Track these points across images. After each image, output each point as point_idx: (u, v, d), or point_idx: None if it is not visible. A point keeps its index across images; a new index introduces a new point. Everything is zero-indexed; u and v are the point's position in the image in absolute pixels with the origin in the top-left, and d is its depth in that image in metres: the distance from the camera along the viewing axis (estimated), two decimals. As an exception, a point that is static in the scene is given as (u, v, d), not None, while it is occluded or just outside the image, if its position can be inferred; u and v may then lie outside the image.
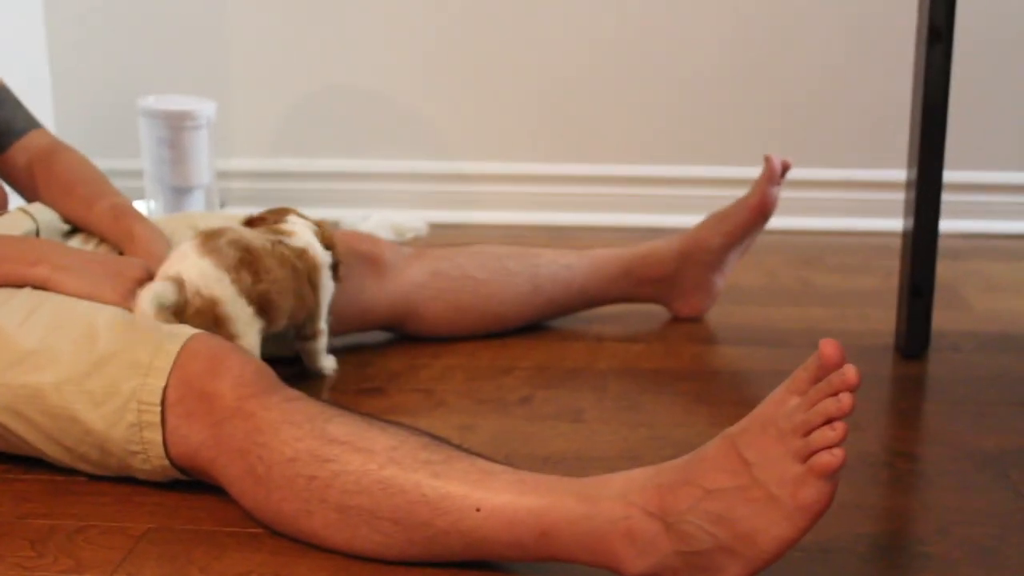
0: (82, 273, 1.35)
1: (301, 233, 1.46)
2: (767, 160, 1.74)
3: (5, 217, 1.51)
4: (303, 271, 1.43)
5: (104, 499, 1.24)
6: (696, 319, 1.85)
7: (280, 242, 1.42)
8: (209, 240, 1.35)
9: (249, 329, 1.34)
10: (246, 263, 1.35)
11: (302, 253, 1.44)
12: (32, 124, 1.62)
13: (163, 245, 1.49)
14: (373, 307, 1.66)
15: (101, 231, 1.53)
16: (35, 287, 1.34)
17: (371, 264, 1.65)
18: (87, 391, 1.21)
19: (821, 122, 2.46)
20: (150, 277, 1.39)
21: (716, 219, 1.79)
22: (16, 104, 1.62)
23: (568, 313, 1.81)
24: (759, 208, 1.75)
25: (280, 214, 1.51)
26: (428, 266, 1.70)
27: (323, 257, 1.47)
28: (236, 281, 1.33)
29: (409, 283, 1.68)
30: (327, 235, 1.51)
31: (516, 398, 1.54)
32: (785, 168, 1.75)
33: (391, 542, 1.09)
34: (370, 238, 1.71)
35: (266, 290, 1.37)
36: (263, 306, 1.36)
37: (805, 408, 0.95)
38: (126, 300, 1.33)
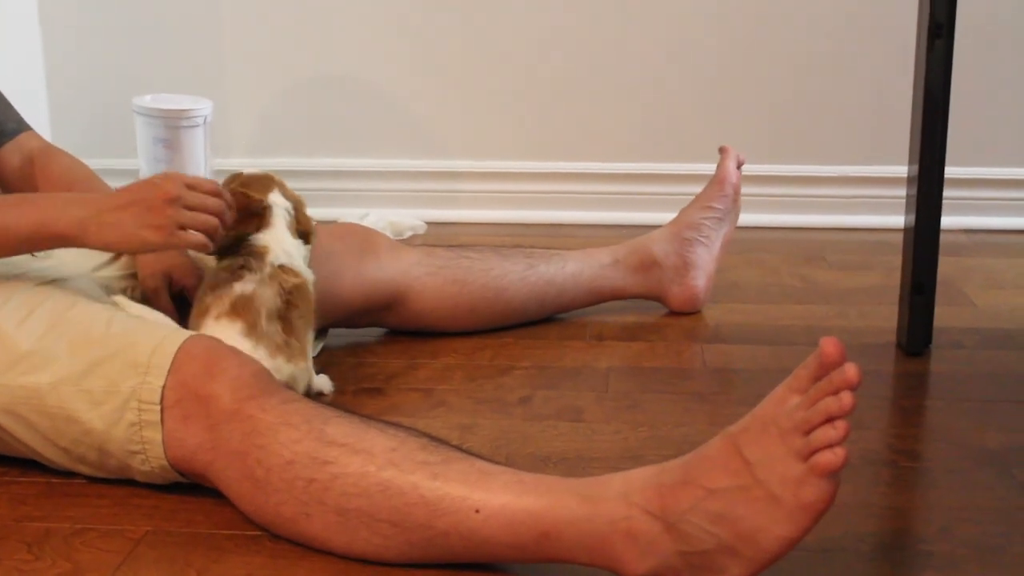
0: (117, 227, 1.27)
1: (275, 242, 1.44)
2: (722, 148, 1.89)
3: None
4: (304, 288, 1.43)
5: (102, 502, 1.23)
6: (693, 311, 1.85)
7: (276, 269, 1.41)
8: (254, 325, 1.35)
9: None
10: (288, 334, 1.38)
11: (287, 270, 1.42)
12: (23, 126, 1.61)
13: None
14: (373, 284, 1.65)
15: None
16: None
17: (367, 245, 1.67)
18: (85, 391, 1.20)
19: (821, 118, 2.45)
20: (181, 188, 1.29)
21: (692, 200, 1.88)
22: (7, 105, 1.61)
23: (564, 304, 1.81)
24: (720, 180, 1.85)
25: (262, 183, 1.49)
26: (422, 249, 1.73)
27: (306, 272, 1.46)
28: (278, 365, 1.35)
29: (406, 261, 1.69)
30: (302, 214, 1.51)
31: (516, 398, 1.53)
32: (739, 162, 1.87)
33: (390, 544, 1.08)
34: (366, 227, 1.73)
35: (299, 348, 1.39)
36: (293, 359, 1.39)
37: (806, 406, 0.95)
38: (171, 236, 1.26)
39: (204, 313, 1.37)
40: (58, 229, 1.27)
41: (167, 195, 1.26)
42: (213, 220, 1.29)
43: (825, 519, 0.97)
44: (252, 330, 1.35)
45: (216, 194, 1.32)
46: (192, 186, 1.29)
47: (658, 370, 1.63)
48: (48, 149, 1.59)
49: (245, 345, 1.32)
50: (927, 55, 1.57)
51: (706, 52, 2.44)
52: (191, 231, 1.27)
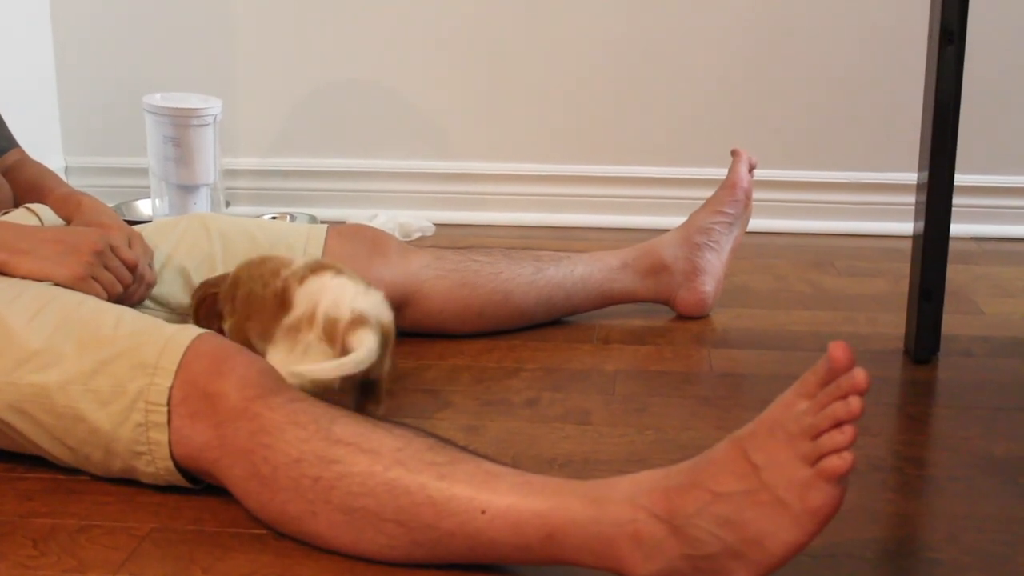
0: (37, 255, 1.37)
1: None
2: (734, 151, 1.88)
3: (10, 215, 1.51)
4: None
5: (107, 499, 1.24)
6: (701, 315, 1.85)
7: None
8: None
9: None
10: None
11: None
12: (13, 143, 1.71)
13: (109, 211, 1.55)
14: (382, 285, 1.65)
15: (55, 211, 1.57)
16: None
17: (376, 246, 1.68)
18: (92, 390, 1.21)
19: (831, 124, 2.45)
20: (107, 247, 1.41)
21: (703, 204, 1.88)
22: (2, 125, 1.71)
23: (572, 308, 1.81)
24: (732, 185, 1.85)
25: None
26: (432, 252, 1.74)
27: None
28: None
29: (415, 264, 1.70)
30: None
31: (523, 400, 1.53)
32: (751, 166, 1.87)
33: (396, 544, 1.08)
34: (375, 229, 1.74)
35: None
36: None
37: (814, 411, 0.94)
38: (81, 280, 1.37)
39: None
40: None
41: (94, 246, 1.41)
42: (118, 287, 1.42)
43: (831, 525, 0.97)
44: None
45: (132, 268, 1.44)
46: (116, 250, 1.42)
47: (665, 374, 1.63)
48: (24, 159, 1.70)
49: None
50: (938, 62, 1.57)
51: (718, 58, 2.44)
52: (96, 283, 1.39)
